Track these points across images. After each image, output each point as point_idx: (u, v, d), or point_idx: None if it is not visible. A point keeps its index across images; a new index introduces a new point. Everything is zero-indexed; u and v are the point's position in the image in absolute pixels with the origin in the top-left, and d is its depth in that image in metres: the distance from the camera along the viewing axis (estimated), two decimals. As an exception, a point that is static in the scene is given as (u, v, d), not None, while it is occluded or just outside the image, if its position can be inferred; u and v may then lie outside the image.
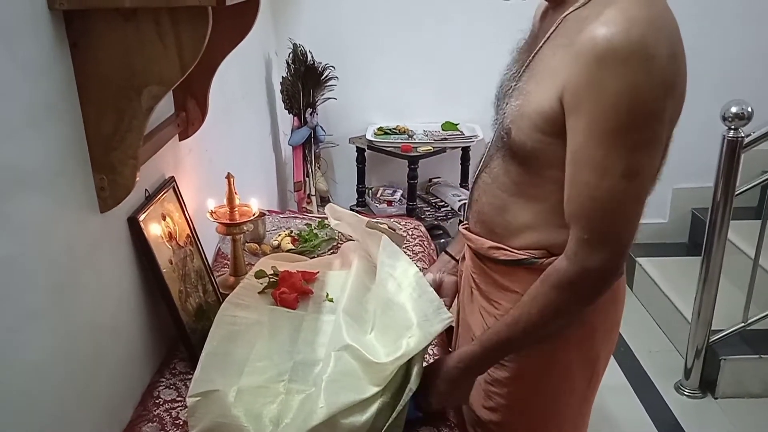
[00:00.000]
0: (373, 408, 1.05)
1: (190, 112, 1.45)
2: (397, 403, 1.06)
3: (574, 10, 0.96)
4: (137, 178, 1.05)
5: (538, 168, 1.02)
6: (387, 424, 1.05)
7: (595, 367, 1.17)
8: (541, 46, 1.01)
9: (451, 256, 1.39)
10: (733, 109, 2.17)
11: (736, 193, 2.27)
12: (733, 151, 2.20)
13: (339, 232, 1.82)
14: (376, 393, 1.06)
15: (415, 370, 1.07)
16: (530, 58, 1.02)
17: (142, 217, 1.20)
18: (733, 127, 2.19)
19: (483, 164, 1.16)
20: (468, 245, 1.22)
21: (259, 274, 1.39)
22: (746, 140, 2.20)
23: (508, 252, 1.10)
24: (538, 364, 1.14)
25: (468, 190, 2.00)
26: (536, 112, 0.97)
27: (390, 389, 1.07)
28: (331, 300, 1.37)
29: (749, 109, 2.16)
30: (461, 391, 1.14)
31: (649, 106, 0.87)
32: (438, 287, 1.34)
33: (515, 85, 1.03)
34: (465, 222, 1.24)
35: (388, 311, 1.19)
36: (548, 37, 1.00)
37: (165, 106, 1.36)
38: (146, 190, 1.26)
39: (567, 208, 0.96)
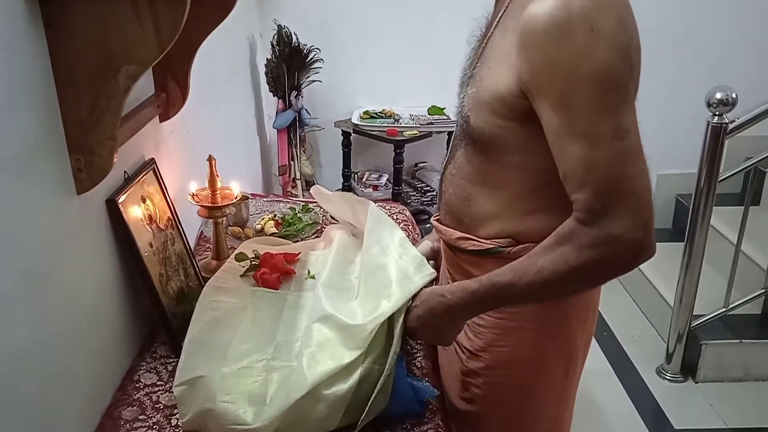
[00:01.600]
0: (356, 375, 1.04)
1: (171, 93, 1.43)
2: (382, 369, 1.05)
3: None
4: (115, 159, 1.03)
5: (498, 154, 1.01)
6: (375, 391, 1.03)
7: (572, 357, 1.16)
8: (492, 32, 1.00)
9: None
10: (718, 95, 2.17)
11: (720, 179, 2.27)
12: (717, 137, 2.20)
13: (323, 216, 1.81)
14: (357, 358, 1.05)
15: (397, 331, 1.06)
16: (483, 44, 1.02)
17: (121, 200, 1.18)
18: (717, 113, 2.19)
19: (449, 156, 1.16)
20: (441, 237, 1.21)
21: (240, 257, 1.38)
22: (730, 126, 2.20)
23: (476, 242, 1.09)
24: (512, 355, 1.13)
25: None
26: (492, 97, 0.96)
27: (372, 353, 1.06)
28: (312, 277, 1.36)
29: (734, 95, 2.16)
30: (442, 327, 1.08)
31: (609, 69, 0.85)
32: (435, 256, 1.32)
33: (471, 72, 1.03)
34: (437, 214, 1.23)
35: (371, 276, 1.19)
36: (498, 22, 0.99)
37: (145, 87, 1.34)
38: (125, 172, 1.24)
39: (567, 186, 0.92)
